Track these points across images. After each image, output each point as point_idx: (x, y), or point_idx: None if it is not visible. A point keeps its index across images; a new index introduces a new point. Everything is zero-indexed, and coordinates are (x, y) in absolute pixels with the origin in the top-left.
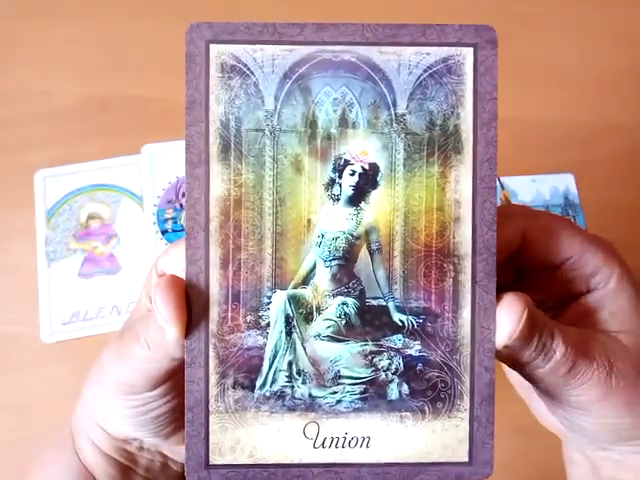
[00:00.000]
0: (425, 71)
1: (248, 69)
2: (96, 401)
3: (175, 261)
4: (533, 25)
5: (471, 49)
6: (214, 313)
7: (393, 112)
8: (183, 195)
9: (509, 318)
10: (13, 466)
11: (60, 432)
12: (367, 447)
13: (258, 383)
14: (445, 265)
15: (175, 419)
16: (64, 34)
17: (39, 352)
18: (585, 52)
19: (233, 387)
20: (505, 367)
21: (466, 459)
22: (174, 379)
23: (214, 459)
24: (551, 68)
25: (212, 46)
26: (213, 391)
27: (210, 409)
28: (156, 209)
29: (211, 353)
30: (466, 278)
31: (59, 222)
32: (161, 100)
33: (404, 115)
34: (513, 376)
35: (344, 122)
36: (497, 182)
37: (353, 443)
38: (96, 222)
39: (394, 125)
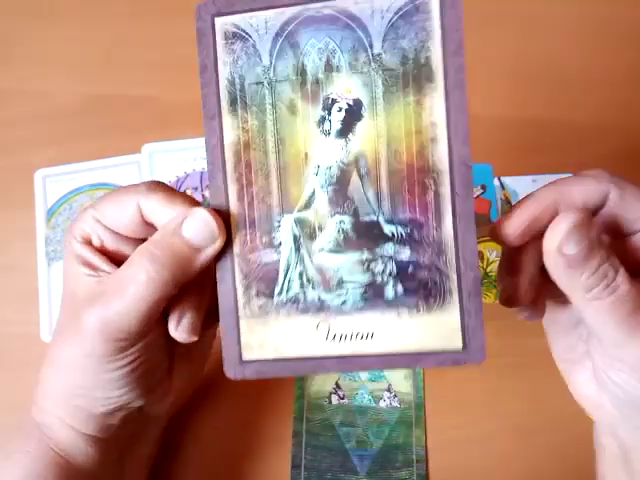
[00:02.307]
0: (396, 13)
1: (246, 33)
2: (71, 382)
3: (113, 213)
4: (533, 25)
5: None
6: (236, 238)
7: (370, 53)
8: None
9: (565, 217)
10: None
11: (17, 430)
12: (371, 340)
13: (276, 291)
14: (426, 181)
15: (161, 377)
16: (64, 34)
17: (39, 352)
18: (585, 52)
19: (257, 296)
20: (533, 344)
21: (460, 346)
22: (160, 330)
23: (246, 356)
24: (551, 68)
25: (217, 19)
26: (240, 301)
27: (239, 315)
28: None
29: (236, 270)
30: (446, 190)
31: (59, 222)
32: (161, 100)
33: (380, 54)
34: (556, 351)
35: (329, 67)
36: (497, 180)
37: (359, 337)
38: None
39: (372, 64)
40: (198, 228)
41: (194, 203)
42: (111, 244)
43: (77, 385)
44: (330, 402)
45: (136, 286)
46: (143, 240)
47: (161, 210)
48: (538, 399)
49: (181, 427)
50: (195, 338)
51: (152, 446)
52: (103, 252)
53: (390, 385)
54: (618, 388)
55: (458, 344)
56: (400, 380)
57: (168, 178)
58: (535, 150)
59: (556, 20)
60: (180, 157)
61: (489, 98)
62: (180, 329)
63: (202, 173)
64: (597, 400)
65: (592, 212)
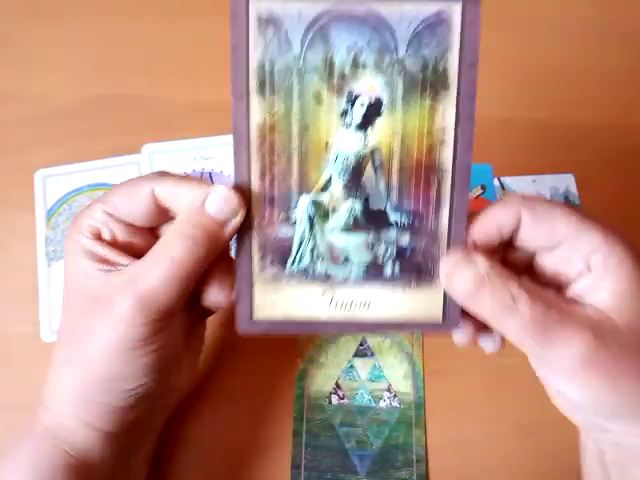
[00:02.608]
0: (422, 22)
1: (280, 21)
2: (96, 375)
3: (121, 204)
4: (533, 26)
5: (459, 4)
6: (256, 212)
7: (395, 56)
8: None
9: (444, 260)
10: None
11: (23, 432)
12: (368, 309)
13: (289, 263)
14: (431, 178)
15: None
16: (64, 34)
17: (39, 352)
18: (585, 52)
19: (271, 264)
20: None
21: (441, 318)
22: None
23: (257, 315)
24: (551, 68)
25: (251, 3)
26: (256, 268)
27: (254, 280)
28: None
29: (254, 241)
30: (447, 188)
31: (59, 222)
32: (161, 100)
33: (403, 59)
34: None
35: (356, 63)
36: (497, 181)
37: (358, 306)
38: None
39: (395, 67)
40: (220, 203)
41: (207, 184)
42: (122, 236)
43: (100, 378)
44: (330, 402)
45: (173, 263)
46: (154, 230)
47: (177, 190)
48: (538, 399)
49: (181, 427)
50: (227, 301)
51: (153, 443)
52: (115, 245)
53: (390, 385)
54: (568, 397)
55: (439, 316)
56: (400, 380)
57: None
58: (535, 150)
59: (557, 21)
60: (180, 157)
61: (489, 98)
62: (214, 293)
63: (202, 173)
64: (568, 408)
65: (498, 241)
